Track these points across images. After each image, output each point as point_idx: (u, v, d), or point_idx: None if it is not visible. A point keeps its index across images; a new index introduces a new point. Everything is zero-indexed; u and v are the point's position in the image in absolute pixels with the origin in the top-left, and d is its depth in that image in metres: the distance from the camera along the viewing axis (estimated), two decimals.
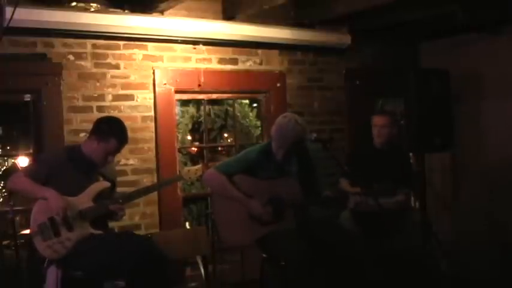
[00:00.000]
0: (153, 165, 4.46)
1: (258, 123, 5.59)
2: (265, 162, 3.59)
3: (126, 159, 4.33)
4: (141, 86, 4.43)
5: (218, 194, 3.64)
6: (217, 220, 3.66)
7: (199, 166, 3.67)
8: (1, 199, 6.08)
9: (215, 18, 4.75)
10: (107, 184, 3.48)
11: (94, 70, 4.25)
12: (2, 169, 6.34)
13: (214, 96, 4.94)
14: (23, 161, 4.84)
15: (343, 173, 4.19)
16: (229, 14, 4.79)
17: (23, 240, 3.80)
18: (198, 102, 5.46)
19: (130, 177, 4.35)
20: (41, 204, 3.27)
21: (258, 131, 5.62)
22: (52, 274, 3.21)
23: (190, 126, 5.71)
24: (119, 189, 3.88)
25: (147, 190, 3.74)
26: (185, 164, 5.29)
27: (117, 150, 3.48)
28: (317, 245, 3.34)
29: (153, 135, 4.47)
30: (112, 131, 3.41)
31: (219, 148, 5.89)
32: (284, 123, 3.58)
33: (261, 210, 3.45)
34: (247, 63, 4.94)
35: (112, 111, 4.28)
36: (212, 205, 3.78)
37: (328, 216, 3.88)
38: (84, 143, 3.50)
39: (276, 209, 3.43)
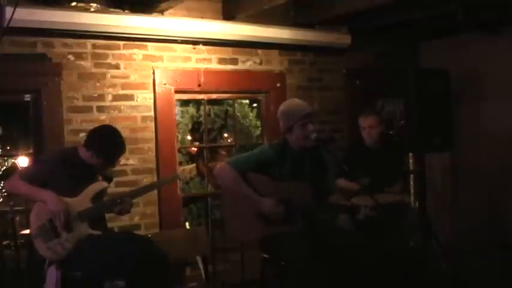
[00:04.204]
0: (153, 165, 4.46)
1: (258, 123, 5.59)
2: (281, 157, 3.50)
3: (126, 159, 4.33)
4: (141, 86, 4.43)
5: (229, 190, 3.56)
6: (225, 214, 3.65)
7: (192, 166, 3.71)
8: (1, 199, 6.08)
9: (215, 18, 4.75)
10: (105, 185, 3.49)
11: (94, 70, 4.25)
12: (2, 169, 6.35)
13: (214, 96, 4.94)
14: (23, 161, 4.84)
15: (340, 173, 4.19)
16: (229, 14, 4.79)
17: (23, 240, 3.80)
18: (198, 102, 5.47)
19: (131, 177, 4.34)
20: (40, 206, 3.26)
21: (258, 131, 5.62)
22: (52, 275, 3.21)
23: (190, 126, 5.73)
24: (118, 189, 3.89)
25: (145, 190, 3.74)
26: (180, 165, 5.30)
27: (117, 159, 3.53)
28: (321, 247, 3.33)
29: (153, 135, 4.47)
30: (108, 146, 3.42)
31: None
32: (286, 103, 3.59)
33: (272, 208, 3.39)
34: (247, 63, 4.94)
35: (112, 111, 4.28)
36: (222, 199, 3.74)
37: (329, 218, 3.88)
38: (80, 148, 3.46)
39: (286, 211, 3.41)
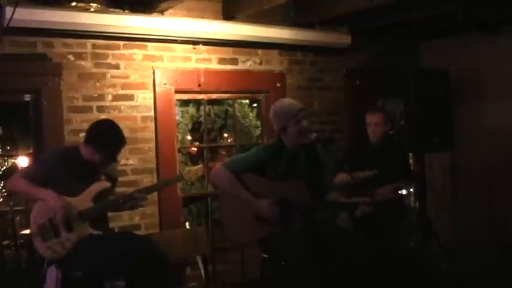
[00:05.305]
0: (153, 165, 4.46)
1: (258, 123, 5.59)
2: (276, 157, 3.50)
3: (126, 159, 4.33)
4: (141, 86, 4.44)
5: (225, 192, 3.56)
6: (223, 216, 3.64)
7: (199, 166, 3.67)
8: (1, 199, 6.09)
9: (215, 18, 4.75)
10: (107, 184, 3.47)
11: (94, 70, 4.25)
12: (2, 169, 6.35)
13: (214, 96, 4.94)
14: (23, 161, 4.84)
15: (340, 169, 4.18)
16: (229, 14, 4.79)
17: (23, 240, 3.80)
18: (198, 102, 5.47)
19: (131, 177, 4.34)
20: (40, 205, 3.26)
21: (258, 131, 5.63)
22: (52, 274, 3.21)
23: (190, 126, 5.73)
24: (118, 189, 3.88)
25: (147, 191, 3.71)
26: (185, 164, 5.30)
27: (118, 154, 3.51)
28: (320, 246, 3.32)
29: (153, 135, 4.47)
30: (108, 140, 3.39)
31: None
32: (277, 104, 3.61)
33: (268, 211, 3.39)
34: (247, 63, 4.94)
35: (112, 111, 4.28)
36: (219, 200, 3.75)
37: (329, 217, 3.87)
38: (81, 145, 3.46)
39: (283, 211, 3.41)
